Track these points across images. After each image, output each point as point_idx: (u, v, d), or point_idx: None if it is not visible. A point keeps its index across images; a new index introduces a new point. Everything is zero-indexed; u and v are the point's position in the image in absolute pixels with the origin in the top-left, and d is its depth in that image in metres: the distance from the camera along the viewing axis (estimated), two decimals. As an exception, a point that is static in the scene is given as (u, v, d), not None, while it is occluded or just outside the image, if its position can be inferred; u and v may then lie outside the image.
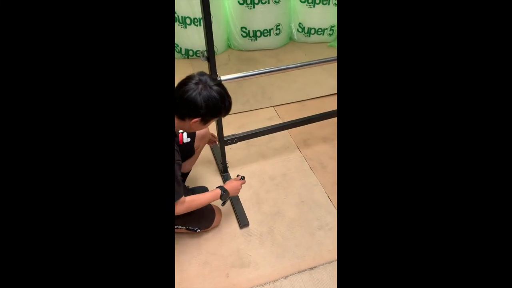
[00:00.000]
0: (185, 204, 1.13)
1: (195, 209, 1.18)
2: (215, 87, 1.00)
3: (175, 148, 1.05)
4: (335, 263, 1.31)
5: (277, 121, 2.09)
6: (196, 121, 1.01)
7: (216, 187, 1.26)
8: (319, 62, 1.49)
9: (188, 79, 1.00)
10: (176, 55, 2.83)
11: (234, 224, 1.47)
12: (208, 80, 1.00)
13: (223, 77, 1.30)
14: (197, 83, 0.98)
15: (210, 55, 1.21)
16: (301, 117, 1.76)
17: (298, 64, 1.43)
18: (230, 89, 1.32)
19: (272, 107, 2.23)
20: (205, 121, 1.04)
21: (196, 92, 0.96)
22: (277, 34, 2.89)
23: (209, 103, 0.98)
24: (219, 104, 1.01)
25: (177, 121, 1.02)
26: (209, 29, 1.14)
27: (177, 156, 1.05)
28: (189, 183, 1.60)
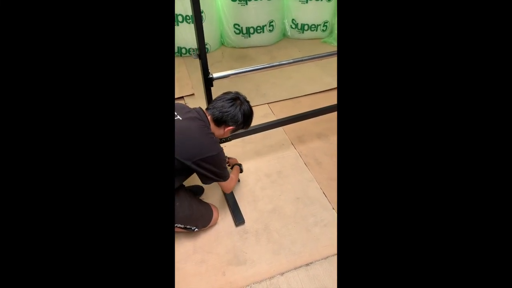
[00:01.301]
0: (232, 181, 1.35)
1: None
2: (247, 104, 1.25)
3: (217, 140, 1.23)
4: (331, 259, 1.32)
5: (272, 118, 2.08)
6: (230, 129, 1.23)
7: (234, 165, 1.55)
8: (313, 58, 1.49)
9: (226, 94, 1.24)
10: (169, 53, 2.81)
11: (230, 222, 1.47)
12: (242, 97, 1.25)
13: (215, 75, 1.30)
14: (235, 99, 1.21)
15: (201, 52, 1.20)
16: (296, 113, 1.76)
17: (291, 60, 1.43)
18: (225, 87, 1.32)
19: (267, 104, 2.23)
20: (236, 130, 1.27)
21: (238, 107, 1.20)
22: (270, 30, 2.88)
23: (245, 116, 1.22)
24: (251, 118, 1.27)
25: (213, 126, 1.22)
26: (199, 27, 1.13)
27: (220, 147, 1.22)
28: (185, 182, 1.59)
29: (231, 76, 1.36)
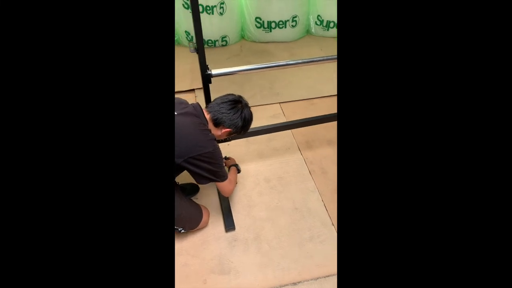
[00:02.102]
0: (232, 183, 1.28)
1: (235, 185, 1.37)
2: (248, 109, 1.19)
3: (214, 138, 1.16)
4: (322, 281, 1.21)
5: (281, 119, 1.98)
6: (227, 131, 1.17)
7: (230, 166, 1.46)
8: (329, 59, 1.36)
9: (228, 95, 1.19)
10: (187, 43, 2.76)
11: (220, 226, 1.40)
12: (244, 102, 1.19)
13: (214, 71, 1.22)
14: (236, 102, 1.16)
15: (199, 46, 1.12)
16: (308, 116, 1.64)
17: (300, 61, 1.31)
18: (238, 82, 1.25)
19: (278, 104, 2.12)
20: (233, 133, 1.21)
21: (239, 111, 1.15)
22: (293, 26, 2.75)
23: (245, 121, 1.17)
24: (249, 125, 1.21)
25: (211, 125, 1.17)
26: (197, 17, 1.04)
27: (216, 144, 1.16)
28: (180, 179, 1.54)
29: (245, 72, 1.28)
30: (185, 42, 2.76)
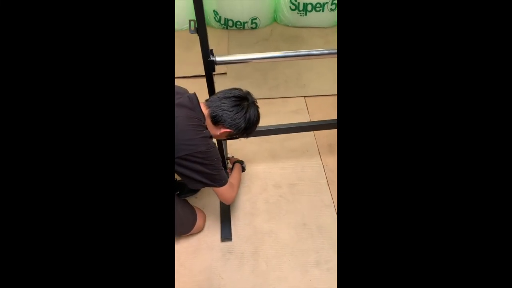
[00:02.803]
0: (235, 187, 1.13)
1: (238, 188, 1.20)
2: (255, 108, 1.02)
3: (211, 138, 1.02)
4: (323, 317, 1.02)
5: (304, 115, 1.75)
6: (227, 132, 1.01)
7: (234, 163, 1.32)
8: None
9: (234, 90, 1.01)
10: (215, 24, 2.58)
11: (216, 233, 1.25)
12: (251, 99, 1.02)
13: (218, 58, 1.02)
14: (241, 99, 0.99)
15: (200, 26, 0.93)
16: (334, 115, 1.41)
17: (318, 52, 1.07)
18: (262, 69, 1.11)
19: (303, 97, 1.88)
20: (233, 134, 1.04)
21: (243, 110, 0.98)
22: (332, 9, 2.44)
23: (248, 122, 0.99)
24: (254, 127, 1.03)
25: (209, 122, 1.01)
26: (197, -9, 0.85)
27: (211, 142, 1.01)
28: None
29: (256, 60, 1.09)
30: (213, 22, 2.59)
